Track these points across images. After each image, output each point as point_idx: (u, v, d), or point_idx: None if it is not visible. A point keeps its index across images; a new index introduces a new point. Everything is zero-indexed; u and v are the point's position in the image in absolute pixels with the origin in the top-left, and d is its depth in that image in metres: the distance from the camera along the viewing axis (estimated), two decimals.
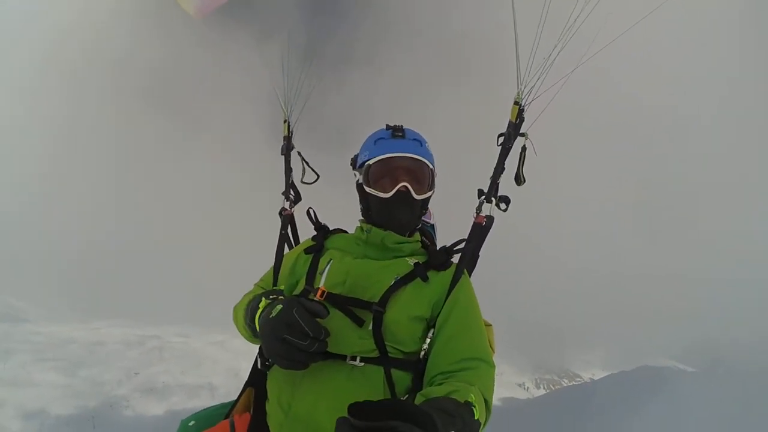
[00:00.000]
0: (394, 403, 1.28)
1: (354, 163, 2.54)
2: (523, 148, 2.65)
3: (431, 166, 2.41)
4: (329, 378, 2.01)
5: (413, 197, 2.34)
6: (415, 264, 2.29)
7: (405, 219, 2.39)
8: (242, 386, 2.44)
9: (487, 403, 1.90)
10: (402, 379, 2.08)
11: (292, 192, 3.00)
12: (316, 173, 2.96)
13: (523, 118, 2.64)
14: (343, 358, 2.04)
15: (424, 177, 2.39)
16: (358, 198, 2.56)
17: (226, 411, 2.43)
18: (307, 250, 2.49)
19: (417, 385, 2.10)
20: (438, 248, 2.51)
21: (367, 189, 2.37)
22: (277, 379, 2.14)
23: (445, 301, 2.24)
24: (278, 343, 1.81)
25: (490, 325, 2.73)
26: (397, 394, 2.04)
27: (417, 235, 2.52)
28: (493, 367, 2.11)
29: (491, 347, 2.66)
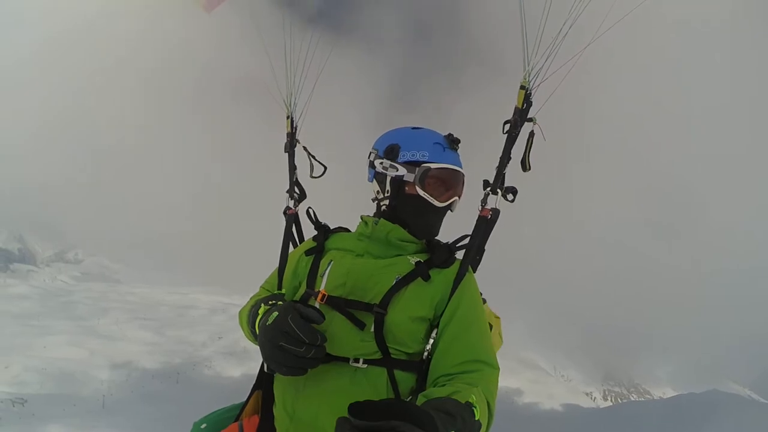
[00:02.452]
0: (394, 403, 1.35)
1: (394, 153, 2.47)
2: (531, 134, 2.62)
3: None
4: (332, 381, 2.09)
5: (451, 210, 2.53)
6: (416, 263, 2.33)
7: (437, 228, 2.51)
8: (251, 389, 2.54)
9: (490, 406, 1.93)
10: (406, 380, 2.14)
11: (297, 190, 3.00)
12: (323, 165, 2.97)
13: (531, 102, 2.61)
14: (346, 360, 2.11)
15: (461, 186, 2.51)
16: (378, 189, 2.56)
17: (236, 413, 2.52)
18: (307, 252, 2.54)
19: (421, 386, 2.15)
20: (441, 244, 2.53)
21: (420, 191, 2.38)
22: (282, 383, 2.23)
23: (448, 300, 2.27)
24: (275, 351, 1.91)
25: (498, 318, 2.87)
26: (401, 395, 2.10)
27: None
28: (497, 369, 2.14)
29: (499, 338, 2.85)
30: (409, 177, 2.40)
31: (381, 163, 2.46)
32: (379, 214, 2.56)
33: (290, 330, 1.90)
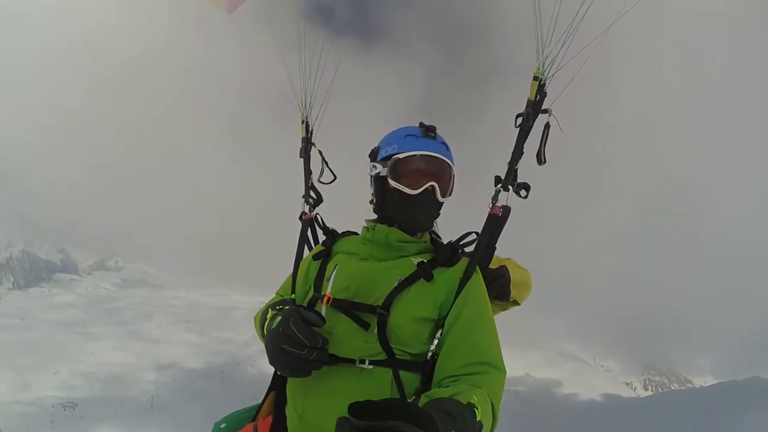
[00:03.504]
0: (394, 403, 1.38)
1: (374, 154, 2.59)
2: (547, 125, 2.57)
3: (454, 171, 2.51)
4: (338, 382, 2.17)
5: (437, 198, 2.45)
6: (419, 263, 2.37)
7: (422, 218, 2.50)
8: (266, 390, 2.63)
9: (494, 408, 1.95)
10: (411, 380, 2.18)
11: (313, 195, 3.04)
12: (333, 174, 2.99)
13: (545, 93, 2.57)
14: (353, 362, 2.17)
15: (447, 180, 2.48)
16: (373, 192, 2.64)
17: (254, 414, 2.62)
18: (315, 257, 2.63)
19: (426, 387, 2.19)
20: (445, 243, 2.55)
21: (392, 183, 2.44)
22: (293, 384, 2.33)
23: (453, 300, 2.29)
24: (279, 354, 2.03)
25: (509, 259, 2.91)
26: (406, 396, 2.14)
27: (426, 235, 2.59)
28: (504, 372, 2.15)
29: (521, 269, 2.91)
30: (384, 171, 2.48)
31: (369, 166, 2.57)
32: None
33: (291, 333, 2.01)
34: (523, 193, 2.60)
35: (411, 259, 2.41)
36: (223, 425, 2.70)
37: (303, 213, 2.99)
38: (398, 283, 2.28)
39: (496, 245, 2.63)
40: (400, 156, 2.44)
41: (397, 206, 2.47)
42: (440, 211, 2.59)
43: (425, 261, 2.37)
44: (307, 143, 3.13)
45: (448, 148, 2.53)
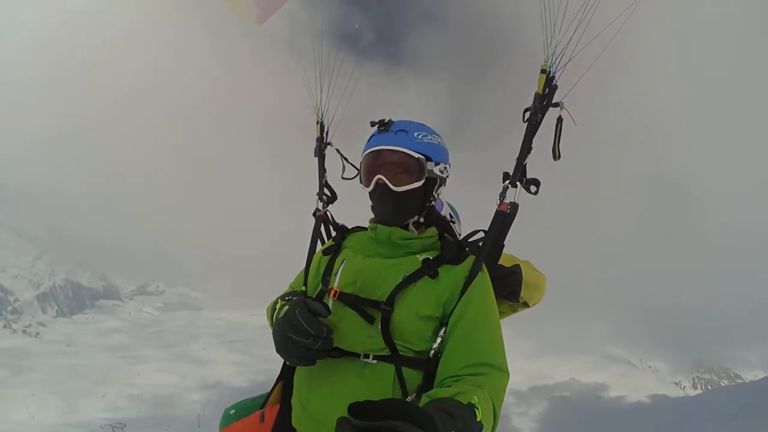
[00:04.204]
0: (395, 403, 1.38)
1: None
2: (559, 120, 2.53)
3: (416, 156, 2.39)
4: (341, 375, 2.22)
5: (391, 189, 2.38)
6: (424, 260, 2.37)
7: (389, 212, 2.45)
8: (275, 379, 2.70)
9: (495, 409, 1.96)
10: (413, 377, 2.20)
11: (327, 192, 3.08)
12: (356, 168, 2.86)
13: (555, 86, 2.54)
14: (357, 356, 2.22)
15: (405, 168, 2.40)
16: None
17: (262, 402, 2.70)
18: (325, 252, 2.68)
19: (428, 384, 2.20)
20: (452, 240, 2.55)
21: (362, 184, 2.51)
22: (300, 375, 2.40)
23: (458, 299, 2.28)
24: (285, 342, 2.11)
25: (528, 261, 2.92)
26: (407, 393, 2.18)
27: (432, 230, 2.56)
28: (506, 374, 2.16)
29: (541, 286, 2.91)
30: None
31: None
32: None
33: (297, 323, 2.08)
34: (533, 189, 2.58)
35: (417, 256, 2.41)
36: (232, 411, 2.81)
37: (317, 209, 3.02)
38: (403, 280, 2.30)
39: (504, 243, 2.62)
40: (362, 158, 2.50)
41: (374, 205, 2.52)
42: (430, 200, 2.54)
43: (431, 258, 2.38)
44: (321, 143, 3.17)
45: (408, 132, 2.45)
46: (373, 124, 2.53)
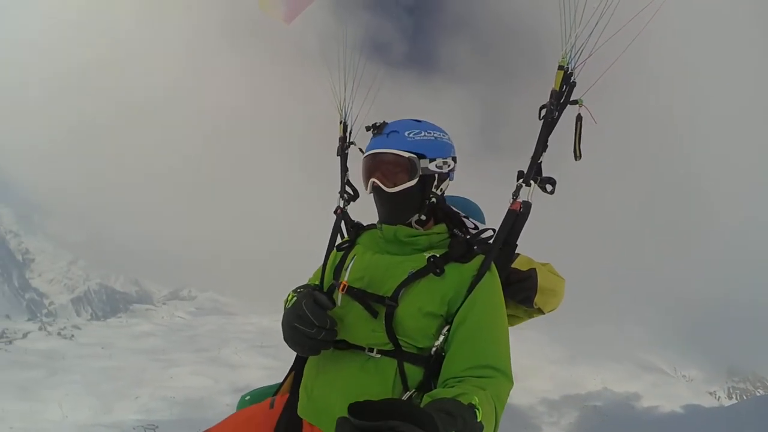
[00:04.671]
0: (395, 403, 1.40)
1: None
2: (579, 118, 2.51)
3: (407, 155, 2.43)
4: (344, 367, 2.32)
5: (385, 191, 2.47)
6: (429, 258, 2.40)
7: (387, 212, 2.55)
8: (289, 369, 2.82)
9: (497, 413, 1.99)
10: (414, 373, 2.26)
11: (348, 190, 3.12)
12: None
13: (574, 83, 2.51)
14: (362, 349, 2.32)
15: (395, 168, 2.46)
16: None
17: (275, 390, 2.82)
18: (338, 248, 2.80)
19: (428, 381, 2.25)
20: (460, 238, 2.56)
21: (363, 186, 2.62)
22: (309, 365, 2.52)
23: (464, 298, 2.31)
24: (291, 331, 2.25)
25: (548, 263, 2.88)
26: (408, 388, 2.22)
27: (440, 227, 2.59)
28: (510, 381, 2.18)
29: (557, 275, 2.85)
30: None
31: None
32: None
33: (303, 313, 2.21)
34: (548, 188, 2.55)
35: (424, 254, 2.44)
36: (247, 398, 2.95)
37: (338, 207, 3.07)
38: (408, 276, 2.35)
39: (518, 243, 2.60)
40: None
41: (376, 205, 2.61)
42: (430, 197, 2.55)
43: (437, 255, 2.40)
44: (344, 142, 3.22)
45: (399, 132, 2.50)
46: (368, 128, 2.61)
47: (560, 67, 2.53)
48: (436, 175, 2.52)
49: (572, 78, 2.53)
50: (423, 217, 2.56)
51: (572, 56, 2.49)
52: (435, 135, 2.54)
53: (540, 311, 2.83)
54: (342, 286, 2.44)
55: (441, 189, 2.58)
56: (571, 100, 2.53)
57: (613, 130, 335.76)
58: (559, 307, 2.89)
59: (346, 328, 2.36)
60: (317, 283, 2.74)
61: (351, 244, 2.76)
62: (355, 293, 2.40)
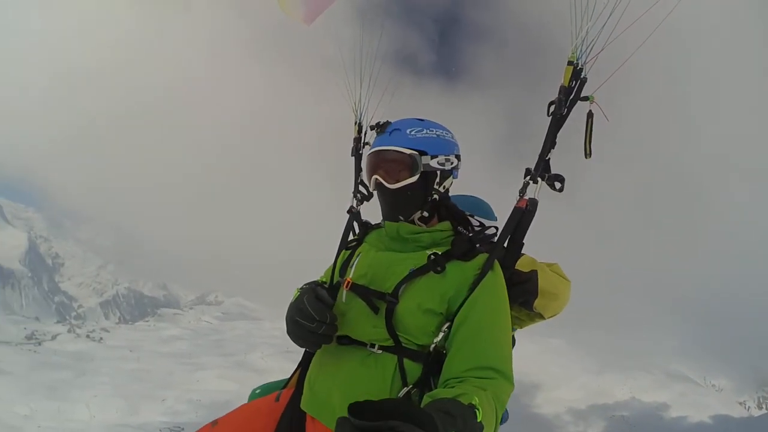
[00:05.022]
0: (395, 403, 1.41)
1: None
2: (589, 115, 2.48)
3: (408, 152, 2.43)
4: (345, 362, 2.36)
5: (387, 187, 2.46)
6: (430, 255, 2.39)
7: (389, 209, 2.55)
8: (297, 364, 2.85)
9: (497, 413, 1.99)
10: (414, 369, 2.26)
11: (362, 190, 3.08)
12: None
13: (585, 79, 2.49)
14: (364, 345, 2.34)
15: (396, 165, 2.46)
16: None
17: (283, 384, 2.86)
18: (347, 246, 2.82)
19: (427, 378, 2.26)
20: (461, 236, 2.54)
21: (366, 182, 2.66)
22: (314, 360, 2.56)
23: (465, 297, 2.30)
24: (292, 325, 2.30)
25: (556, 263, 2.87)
26: (408, 384, 2.23)
27: (444, 225, 2.56)
28: (511, 383, 2.18)
29: (563, 276, 2.83)
30: None
31: None
32: None
33: (304, 307, 2.24)
34: (557, 185, 2.54)
35: (427, 251, 2.43)
36: (258, 391, 2.97)
37: (351, 207, 3.05)
38: (409, 273, 2.35)
39: (524, 242, 2.59)
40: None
41: (380, 205, 2.61)
42: (432, 194, 2.53)
43: (438, 253, 2.39)
44: (359, 143, 3.22)
45: (401, 130, 2.51)
46: (372, 127, 2.63)
47: (569, 63, 2.50)
48: (439, 172, 2.50)
49: (583, 73, 2.50)
50: (426, 214, 2.54)
51: (582, 51, 2.46)
52: (437, 133, 2.52)
53: (540, 316, 2.79)
54: (346, 282, 2.47)
55: (444, 186, 2.55)
56: (582, 96, 2.50)
57: (626, 127, 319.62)
58: (562, 313, 2.84)
59: (349, 323, 2.39)
60: (324, 279, 2.79)
61: (359, 242, 2.77)
62: (358, 290, 2.43)
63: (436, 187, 2.51)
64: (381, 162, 2.49)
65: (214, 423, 2.57)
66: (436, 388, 2.17)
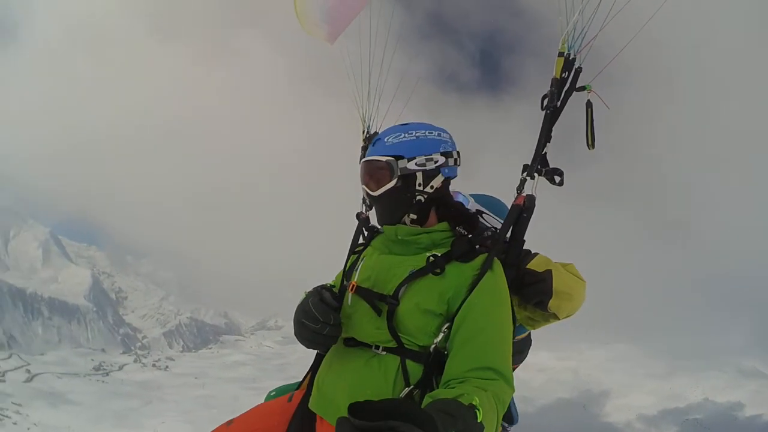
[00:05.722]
0: (395, 403, 1.43)
1: None
2: (588, 105, 2.50)
3: (384, 159, 2.53)
4: (351, 363, 2.45)
5: (372, 195, 2.60)
6: (429, 257, 2.44)
7: (379, 215, 2.68)
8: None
9: (498, 414, 1.99)
10: (416, 370, 2.32)
11: None
12: None
13: (579, 69, 2.51)
14: (369, 346, 2.43)
15: (377, 173, 2.57)
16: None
17: (296, 386, 2.95)
18: (354, 251, 2.88)
19: (427, 378, 2.30)
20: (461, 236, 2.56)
21: None
22: (324, 361, 2.65)
23: (464, 298, 2.33)
24: (298, 326, 2.41)
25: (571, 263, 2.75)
26: (409, 385, 2.28)
27: (442, 225, 2.60)
28: (511, 387, 2.18)
29: (578, 277, 2.72)
30: None
31: None
32: None
33: (309, 309, 2.35)
34: (556, 179, 2.59)
35: (427, 253, 2.47)
36: (273, 393, 3.12)
37: (359, 212, 3.06)
38: (409, 274, 2.41)
39: (525, 239, 2.62)
40: None
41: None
42: (416, 196, 2.56)
43: (438, 255, 2.44)
44: (365, 151, 3.17)
45: (381, 140, 2.62)
46: (364, 141, 3.01)
47: (560, 54, 2.54)
48: (420, 173, 2.54)
49: (576, 63, 2.53)
50: (414, 216, 2.60)
51: (574, 41, 2.46)
52: (417, 134, 2.58)
53: (555, 317, 2.73)
54: (351, 286, 2.57)
55: (432, 186, 2.58)
56: (577, 87, 2.54)
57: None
58: (576, 313, 2.79)
59: (354, 326, 2.50)
60: (337, 284, 2.84)
61: (365, 246, 2.85)
62: (362, 293, 2.51)
63: (419, 188, 2.55)
64: (365, 172, 2.62)
65: (230, 422, 2.67)
66: (438, 388, 2.19)
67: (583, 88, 2.49)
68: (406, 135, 2.57)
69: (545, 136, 2.59)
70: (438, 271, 2.38)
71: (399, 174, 2.50)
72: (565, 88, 2.54)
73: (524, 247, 2.66)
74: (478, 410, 1.74)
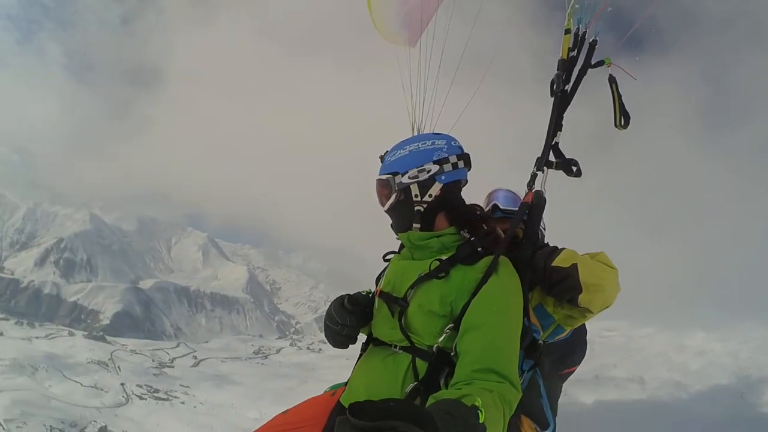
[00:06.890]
0: (395, 403, 1.42)
1: None
2: (612, 79, 2.39)
3: (384, 177, 2.69)
4: (372, 360, 2.65)
5: (383, 209, 2.79)
6: (434, 261, 2.51)
7: (393, 225, 2.82)
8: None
9: (505, 416, 1.96)
10: (424, 368, 2.39)
11: None
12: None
13: (594, 42, 2.40)
14: (389, 346, 2.58)
15: (381, 190, 2.75)
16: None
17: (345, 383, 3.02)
18: (385, 258, 3.03)
19: (432, 375, 2.35)
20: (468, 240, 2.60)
21: None
22: (358, 359, 2.87)
23: (468, 300, 2.36)
24: (324, 327, 2.80)
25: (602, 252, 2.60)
26: (418, 382, 2.35)
27: (449, 229, 2.65)
28: (518, 389, 2.12)
29: (608, 265, 2.56)
30: None
31: None
32: None
33: (331, 313, 2.74)
34: (573, 169, 2.55)
35: (437, 257, 2.54)
36: (328, 389, 3.17)
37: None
38: (417, 278, 2.52)
39: (538, 239, 2.72)
40: None
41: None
42: (414, 206, 2.65)
43: (443, 259, 2.50)
44: None
45: (384, 161, 2.80)
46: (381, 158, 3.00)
47: (567, 31, 2.45)
48: (415, 185, 2.63)
49: (590, 37, 2.44)
50: (417, 225, 2.66)
51: (582, 14, 2.33)
52: (410, 149, 2.68)
53: (588, 311, 2.60)
54: (377, 291, 2.80)
55: (430, 194, 2.63)
56: (593, 63, 2.46)
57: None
58: (612, 305, 2.59)
59: (378, 327, 2.69)
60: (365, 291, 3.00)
61: (397, 253, 2.97)
62: (384, 296, 2.68)
63: (416, 199, 2.64)
64: (376, 190, 2.80)
65: (285, 412, 2.81)
66: (446, 388, 2.22)
67: (601, 63, 2.36)
68: (401, 151, 2.71)
69: (555, 124, 2.49)
70: (442, 274, 2.44)
71: (396, 189, 2.65)
72: (578, 67, 2.43)
73: (552, 244, 2.65)
74: (481, 411, 1.74)
